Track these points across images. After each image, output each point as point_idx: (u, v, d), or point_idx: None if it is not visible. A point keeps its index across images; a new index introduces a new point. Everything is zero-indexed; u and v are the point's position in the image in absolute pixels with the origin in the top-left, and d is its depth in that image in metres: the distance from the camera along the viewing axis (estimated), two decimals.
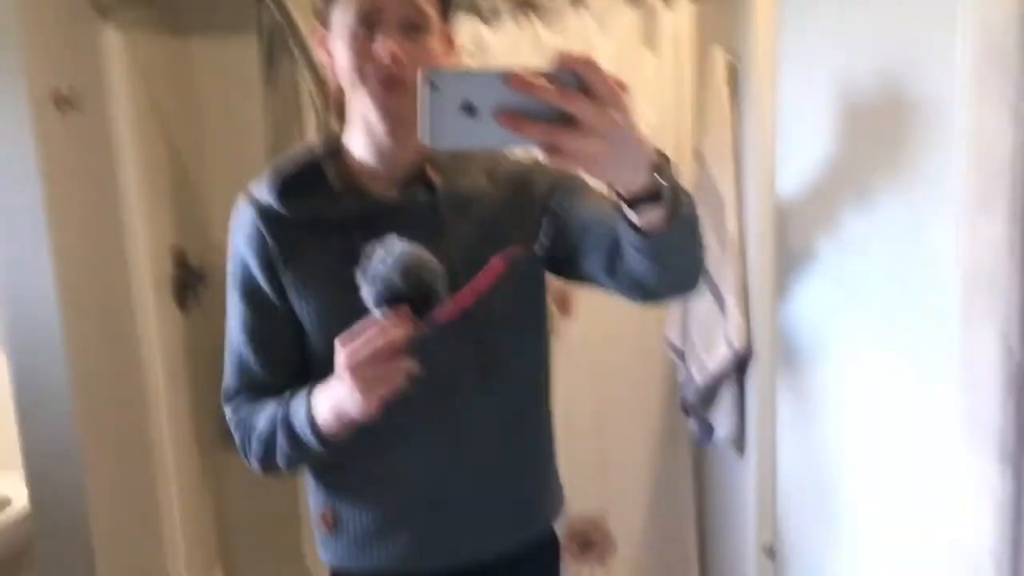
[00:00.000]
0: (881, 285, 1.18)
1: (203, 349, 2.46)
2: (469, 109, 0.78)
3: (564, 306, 2.26)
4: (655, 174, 0.84)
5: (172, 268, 2.37)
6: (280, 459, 1.17)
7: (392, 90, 1.08)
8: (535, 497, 1.31)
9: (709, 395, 1.96)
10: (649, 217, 0.88)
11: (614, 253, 1.00)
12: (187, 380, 2.42)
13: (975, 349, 0.66)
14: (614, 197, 0.89)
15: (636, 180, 0.84)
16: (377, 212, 1.15)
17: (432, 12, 1.10)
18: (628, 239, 0.92)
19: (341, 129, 1.23)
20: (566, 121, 0.76)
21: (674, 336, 2.06)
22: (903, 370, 1.08)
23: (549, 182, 1.20)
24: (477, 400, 1.19)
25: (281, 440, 1.15)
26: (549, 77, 0.76)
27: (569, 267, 1.15)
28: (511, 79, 0.76)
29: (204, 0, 2.44)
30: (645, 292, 1.03)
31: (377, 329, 1.01)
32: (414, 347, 1.01)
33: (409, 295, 1.06)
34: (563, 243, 1.14)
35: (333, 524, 1.25)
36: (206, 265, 2.52)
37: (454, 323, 1.05)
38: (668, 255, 0.94)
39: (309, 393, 1.12)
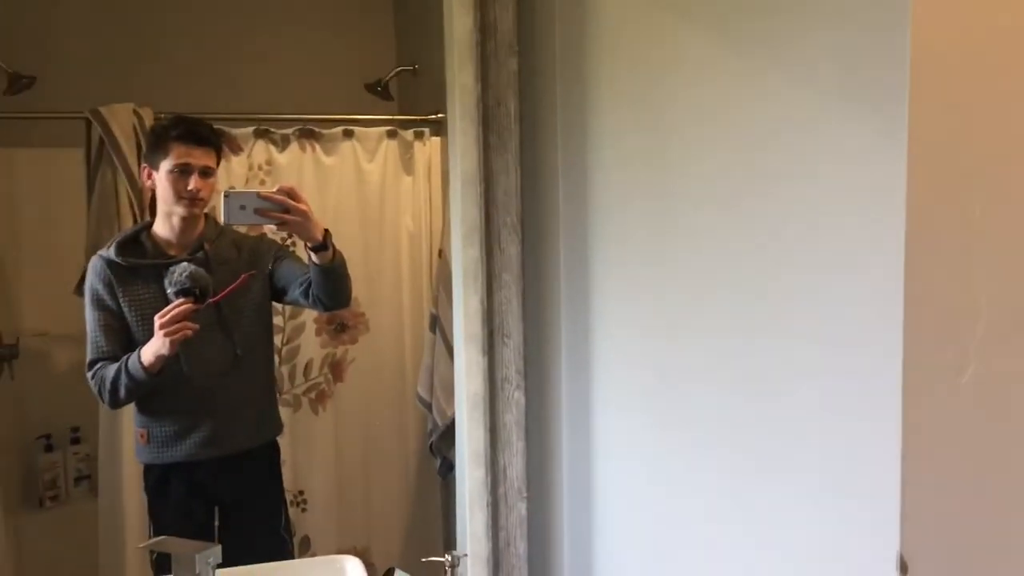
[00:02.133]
0: None
1: (10, 414, 2.76)
2: (242, 207, 1.87)
3: (338, 374, 2.78)
4: (324, 237, 1.95)
5: None
6: (123, 392, 2.01)
7: (195, 206, 2.07)
8: (268, 416, 2.25)
9: (449, 436, 2.52)
10: (322, 257, 1.97)
11: (307, 285, 2.06)
12: None
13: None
14: (307, 251, 1.98)
15: (315, 237, 1.95)
16: (174, 263, 2.03)
17: (214, 164, 2.10)
18: (314, 270, 1.99)
19: (151, 220, 2.13)
20: (284, 212, 1.87)
21: (423, 391, 2.63)
22: None
23: (273, 250, 2.22)
24: (231, 361, 2.11)
25: (124, 379, 2.00)
26: (279, 192, 1.89)
27: (282, 295, 2.18)
28: (261, 194, 1.89)
29: (32, 120, 2.88)
30: (323, 304, 2.07)
31: (176, 307, 1.91)
32: (195, 319, 1.92)
33: (193, 289, 1.94)
34: (278, 283, 2.16)
35: (147, 438, 2.12)
36: (19, 344, 2.86)
37: (217, 321, 2.06)
38: (333, 279, 2.02)
39: (138, 351, 1.98)
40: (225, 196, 1.88)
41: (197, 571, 1.29)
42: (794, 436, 0.87)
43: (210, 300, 1.97)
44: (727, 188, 0.95)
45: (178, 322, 1.89)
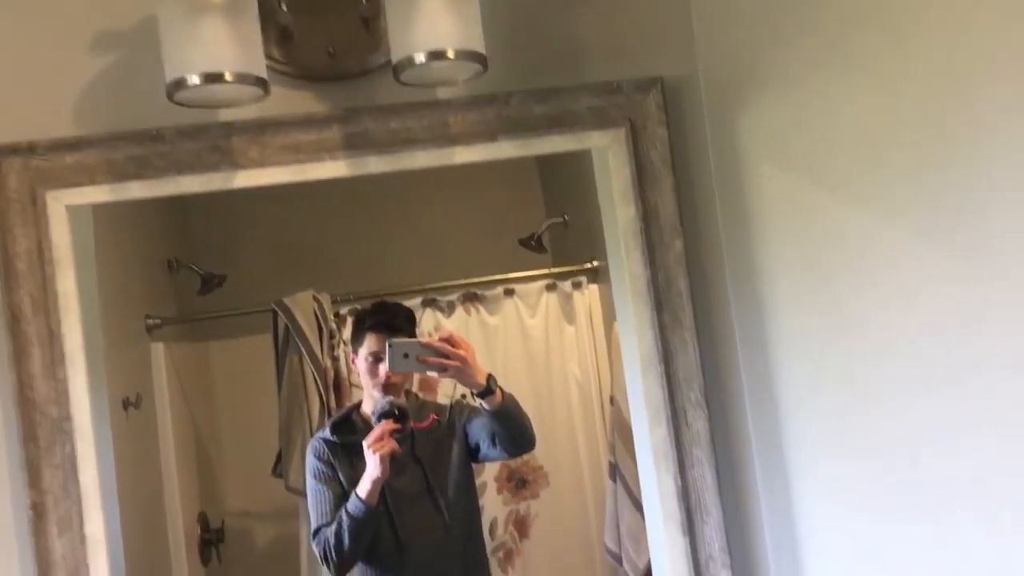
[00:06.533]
0: None
1: None
2: (405, 355, 1.99)
3: (523, 530, 2.78)
4: (488, 380, 2.03)
5: (199, 530, 2.86)
6: (347, 538, 2.11)
7: (389, 391, 2.22)
8: None
9: None
10: (490, 401, 2.05)
11: (491, 436, 2.14)
12: None
13: None
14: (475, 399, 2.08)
15: (477, 383, 2.03)
16: None
17: None
18: (488, 417, 2.08)
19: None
20: (445, 358, 1.97)
21: (611, 543, 2.58)
22: None
23: (467, 411, 2.30)
24: (443, 530, 2.21)
25: (346, 521, 2.11)
26: (440, 340, 2.01)
27: (476, 453, 2.25)
28: (423, 343, 2.02)
29: (226, 316, 3.13)
30: (508, 450, 2.18)
31: (379, 427, 2.09)
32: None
33: (393, 411, 2.13)
34: (472, 440, 2.24)
35: None
36: (224, 527, 3.02)
37: (425, 488, 2.23)
38: (508, 421, 2.10)
39: (354, 491, 2.12)
40: (389, 346, 2.02)
41: None
42: None
43: (411, 425, 2.15)
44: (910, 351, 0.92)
45: (384, 438, 2.06)
